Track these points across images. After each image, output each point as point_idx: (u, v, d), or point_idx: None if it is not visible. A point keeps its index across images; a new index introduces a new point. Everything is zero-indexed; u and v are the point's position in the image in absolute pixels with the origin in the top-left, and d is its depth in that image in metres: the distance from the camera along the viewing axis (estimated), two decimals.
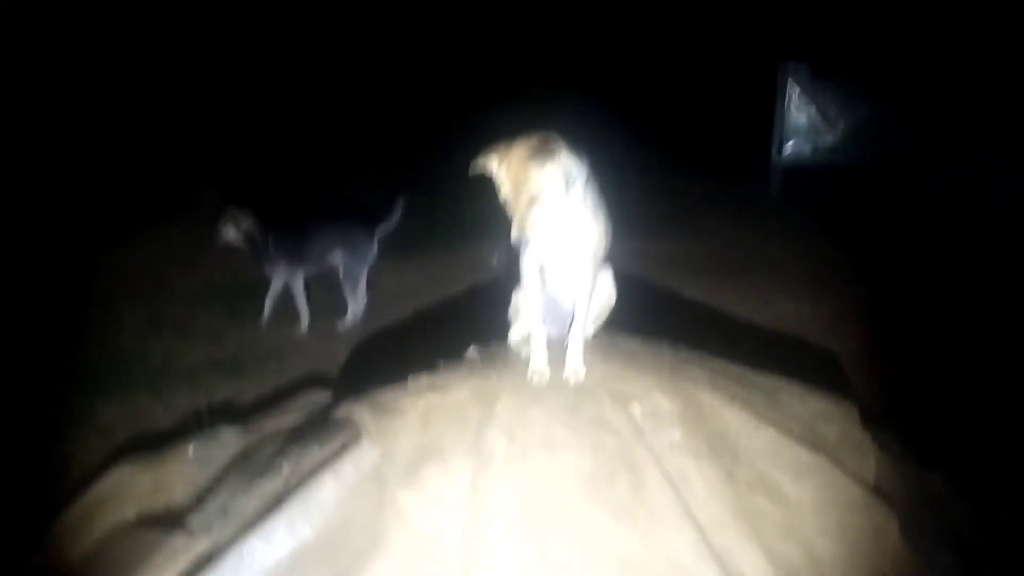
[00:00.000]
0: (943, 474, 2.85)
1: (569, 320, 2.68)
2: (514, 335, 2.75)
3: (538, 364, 2.49)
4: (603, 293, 2.64)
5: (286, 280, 5.68)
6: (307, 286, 5.86)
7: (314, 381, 4.45)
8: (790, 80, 10.85)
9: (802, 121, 11.00)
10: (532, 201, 2.25)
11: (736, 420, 2.49)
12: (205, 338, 5.54)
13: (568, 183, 2.30)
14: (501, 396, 2.40)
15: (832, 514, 2.29)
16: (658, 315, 3.36)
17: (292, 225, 5.78)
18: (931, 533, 2.44)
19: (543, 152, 2.23)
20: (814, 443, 2.51)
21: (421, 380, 2.60)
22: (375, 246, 5.80)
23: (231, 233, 5.59)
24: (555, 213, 2.31)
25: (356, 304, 5.76)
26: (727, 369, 2.85)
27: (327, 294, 6.09)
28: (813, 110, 10.93)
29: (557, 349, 2.57)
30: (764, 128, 10.93)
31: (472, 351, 2.79)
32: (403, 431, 2.39)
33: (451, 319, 5.61)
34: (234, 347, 5.38)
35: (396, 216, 5.79)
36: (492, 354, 2.74)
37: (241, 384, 4.76)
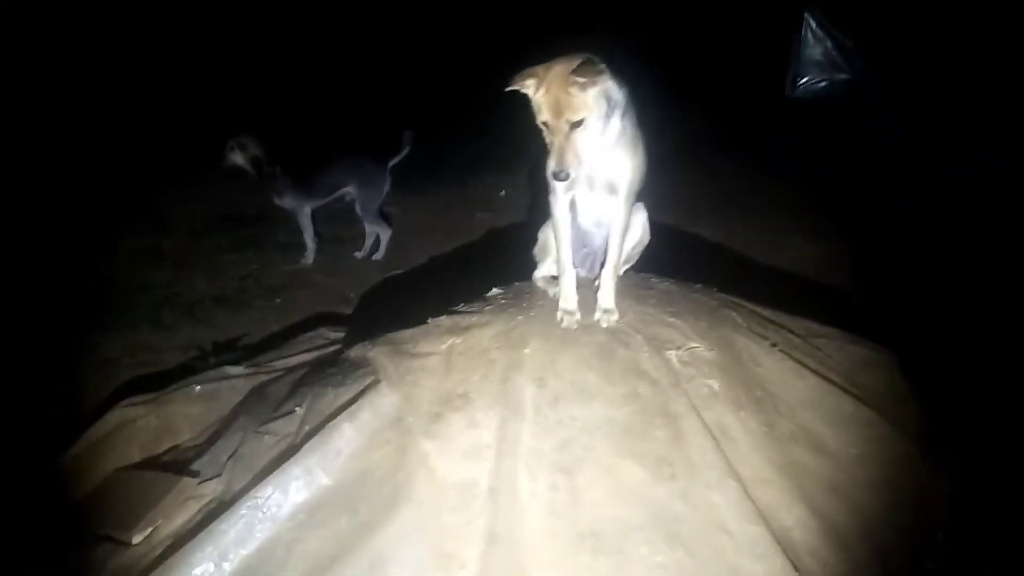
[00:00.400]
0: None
1: (599, 259, 2.53)
2: (540, 274, 2.59)
3: (568, 305, 2.33)
4: (636, 231, 2.48)
5: (293, 211, 5.49)
6: (316, 219, 5.69)
7: (324, 318, 4.31)
8: (807, 16, 10.62)
9: (817, 55, 10.82)
10: (573, 127, 2.07)
11: (776, 368, 2.36)
12: (207, 271, 5.38)
13: (610, 108, 2.12)
14: (529, 339, 2.26)
15: (879, 469, 2.17)
16: (673, 254, 3.19)
17: (301, 157, 5.58)
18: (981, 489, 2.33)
19: (587, 73, 2.03)
20: (856, 393, 2.39)
21: (442, 321, 2.45)
22: (388, 178, 5.68)
23: (238, 158, 5.37)
24: (595, 141, 2.13)
25: (383, 232, 5.70)
26: (761, 313, 2.71)
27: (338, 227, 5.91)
28: (829, 44, 10.72)
29: (587, 290, 2.42)
30: (781, 69, 10.71)
31: (495, 291, 2.64)
32: (425, 375, 2.25)
33: (466, 258, 5.48)
34: (237, 281, 5.22)
35: (406, 149, 5.63)
36: (517, 294, 2.58)
37: (246, 319, 4.62)
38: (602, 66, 2.08)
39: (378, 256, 5.68)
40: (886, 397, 2.46)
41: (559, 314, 2.32)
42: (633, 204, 2.37)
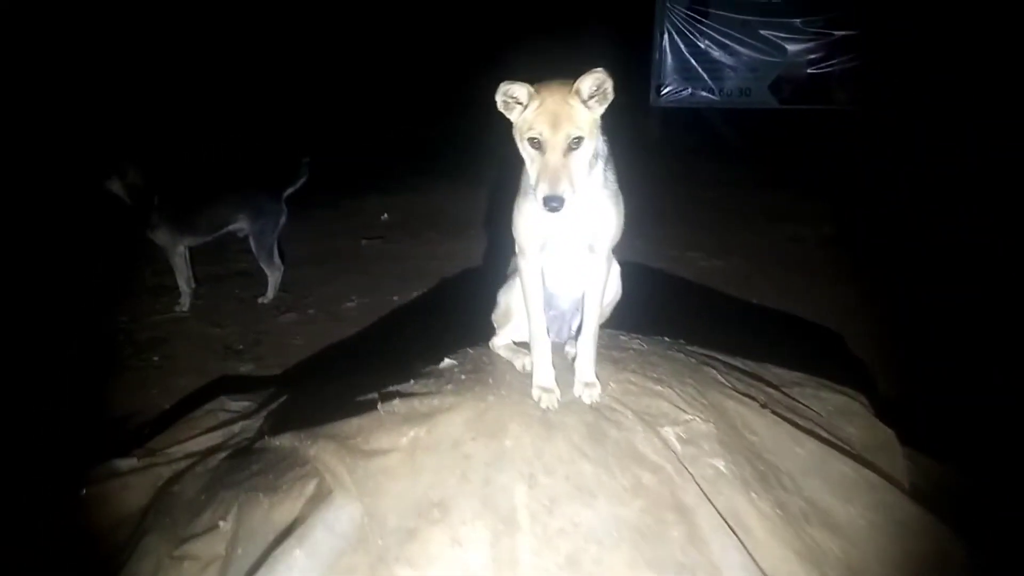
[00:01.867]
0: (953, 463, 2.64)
1: (568, 321, 2.25)
2: (501, 342, 2.28)
3: (545, 381, 2.04)
4: (612, 287, 2.21)
5: (165, 248, 4.85)
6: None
7: (217, 383, 3.78)
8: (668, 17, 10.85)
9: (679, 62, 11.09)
10: (571, 146, 1.83)
11: (771, 434, 2.16)
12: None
13: (595, 152, 1.90)
14: (508, 425, 1.94)
15: (893, 541, 2.00)
16: None
17: (186, 186, 4.97)
18: (978, 543, 2.21)
19: (598, 84, 1.82)
20: (851, 452, 2.23)
21: (396, 407, 2.08)
22: (283, 210, 5.12)
23: (115, 185, 4.71)
24: (581, 179, 1.88)
25: (273, 273, 5.09)
26: (736, 365, 2.53)
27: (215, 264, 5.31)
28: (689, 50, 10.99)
29: (555, 356, 2.14)
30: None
31: (448, 362, 2.30)
32: (387, 480, 1.89)
33: (368, 294, 5.04)
34: (103, 337, 4.54)
35: (303, 177, 5.13)
36: (476, 366, 2.25)
37: (121, 385, 3.96)
38: (612, 84, 1.82)
39: (265, 299, 5.08)
40: (875, 450, 2.33)
41: (535, 392, 2.02)
42: (610, 264, 2.10)
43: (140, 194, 4.65)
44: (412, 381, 2.22)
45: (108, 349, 4.34)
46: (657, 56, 11.12)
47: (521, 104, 1.86)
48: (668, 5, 10.98)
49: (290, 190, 5.08)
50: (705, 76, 11.26)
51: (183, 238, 4.88)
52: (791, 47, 10.84)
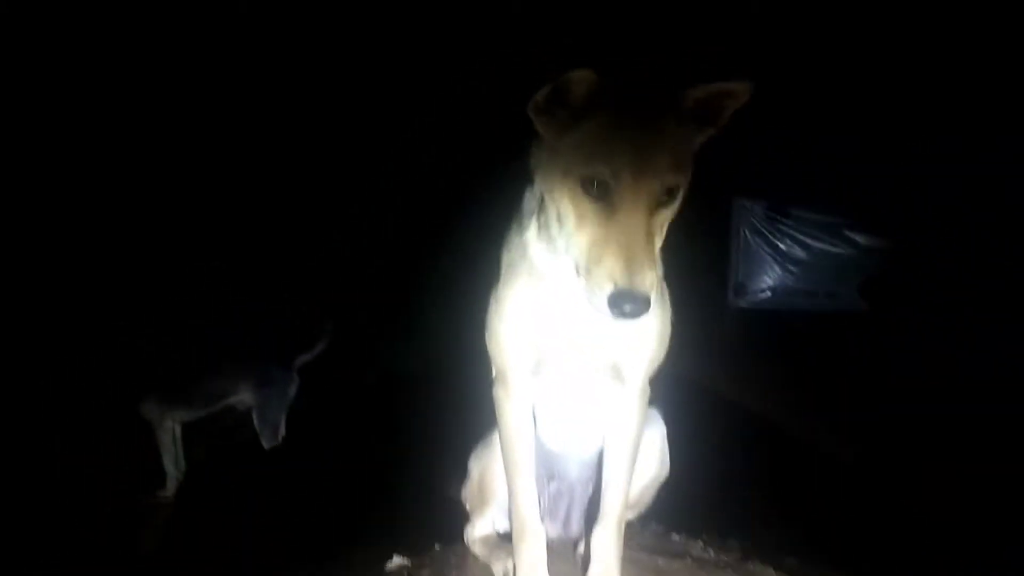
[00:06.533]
0: None
1: (581, 502, 1.42)
2: (477, 534, 1.46)
3: None
4: (653, 456, 1.38)
5: (153, 423, 4.19)
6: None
7: None
8: (744, 217, 10.50)
9: (758, 262, 10.60)
10: (663, 201, 1.14)
11: None
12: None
13: None
14: None
15: None
16: None
17: (179, 347, 4.39)
18: None
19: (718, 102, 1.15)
20: None
21: None
22: (295, 381, 4.47)
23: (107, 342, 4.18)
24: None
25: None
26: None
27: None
28: (769, 250, 10.53)
29: (561, 563, 1.29)
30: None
31: (397, 561, 1.48)
32: None
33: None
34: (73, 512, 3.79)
35: (322, 344, 4.52)
36: (436, 570, 1.42)
37: None
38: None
39: None
40: None
41: None
42: (648, 402, 1.30)
43: (129, 356, 4.07)
44: None
45: (65, 533, 3.57)
46: (734, 256, 10.69)
47: (569, 108, 1.14)
48: (745, 205, 10.67)
49: (305, 358, 4.43)
50: (787, 277, 10.70)
51: (173, 412, 4.22)
52: (880, 247, 10.22)
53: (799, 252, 10.42)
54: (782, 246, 10.45)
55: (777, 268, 10.45)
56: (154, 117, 5.84)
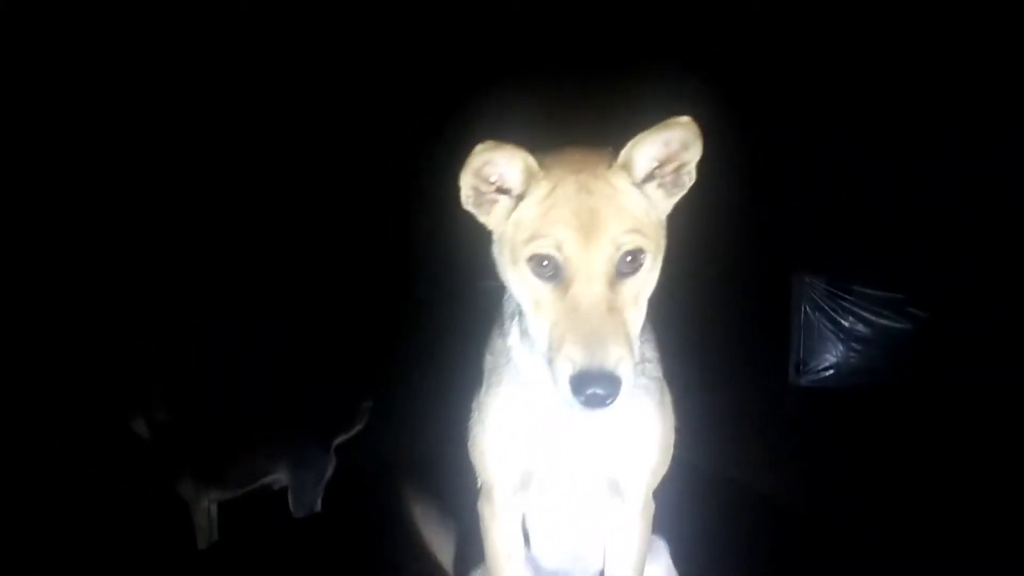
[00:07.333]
0: None
1: None
2: None
3: None
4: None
5: (189, 502, 4.17)
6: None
7: None
8: (805, 293, 10.25)
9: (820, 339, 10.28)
10: (624, 270, 1.02)
11: None
12: None
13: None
14: None
15: None
16: None
17: (215, 426, 4.40)
18: None
19: (662, 153, 1.04)
20: None
21: None
22: (332, 461, 4.41)
23: (141, 427, 4.19)
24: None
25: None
26: None
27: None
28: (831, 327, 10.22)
29: None
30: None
31: None
32: None
33: None
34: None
35: (360, 424, 4.48)
36: None
37: None
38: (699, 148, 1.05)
39: None
40: None
41: None
42: (651, 518, 1.19)
43: (165, 435, 4.09)
44: None
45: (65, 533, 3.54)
46: (795, 334, 10.42)
47: (509, 192, 1.09)
48: (807, 281, 10.42)
49: (343, 438, 4.37)
50: (851, 354, 10.37)
51: (209, 492, 4.20)
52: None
53: (861, 329, 10.09)
54: (844, 323, 10.13)
55: (839, 345, 10.11)
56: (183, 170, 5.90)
